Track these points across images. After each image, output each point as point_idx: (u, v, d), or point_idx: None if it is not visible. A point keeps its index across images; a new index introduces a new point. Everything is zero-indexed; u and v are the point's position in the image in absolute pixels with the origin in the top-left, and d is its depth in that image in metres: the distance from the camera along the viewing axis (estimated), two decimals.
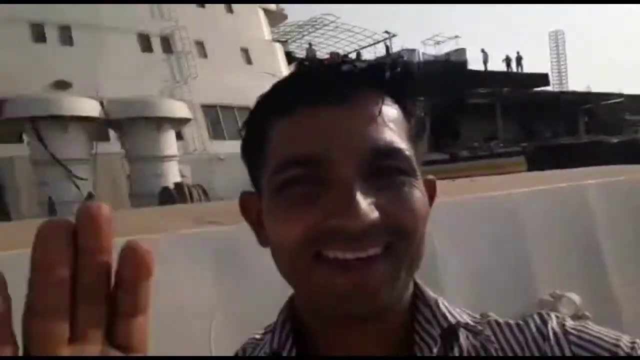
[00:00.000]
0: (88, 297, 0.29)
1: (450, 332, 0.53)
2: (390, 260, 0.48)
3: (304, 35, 34.21)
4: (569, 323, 0.54)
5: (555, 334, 0.53)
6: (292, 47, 32.23)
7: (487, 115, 17.93)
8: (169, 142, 9.81)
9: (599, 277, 3.31)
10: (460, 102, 18.02)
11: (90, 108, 9.23)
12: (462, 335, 0.54)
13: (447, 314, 0.54)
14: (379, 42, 33.36)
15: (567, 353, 0.51)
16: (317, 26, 33.28)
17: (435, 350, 0.52)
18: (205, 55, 18.41)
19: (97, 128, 9.85)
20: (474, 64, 28.65)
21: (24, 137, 8.98)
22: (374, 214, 0.46)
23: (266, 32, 21.73)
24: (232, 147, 17.00)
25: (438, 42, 32.26)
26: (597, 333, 0.52)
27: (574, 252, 3.33)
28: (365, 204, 0.46)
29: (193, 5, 18.74)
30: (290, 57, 25.89)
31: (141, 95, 11.35)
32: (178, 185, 8.29)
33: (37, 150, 8.44)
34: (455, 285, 2.90)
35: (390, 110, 0.51)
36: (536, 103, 19.45)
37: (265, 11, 21.99)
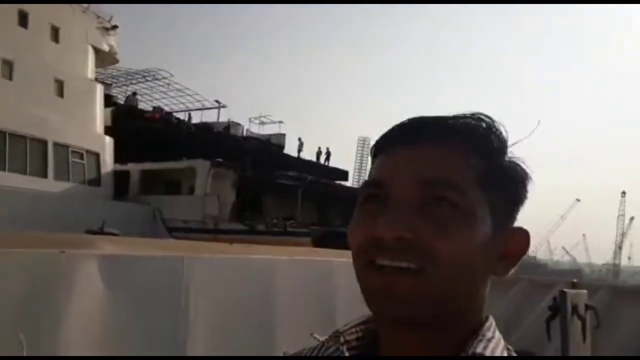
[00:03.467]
0: None
1: None
2: (421, 279, 0.55)
3: (131, 83, 33.07)
4: None
5: None
6: (115, 91, 30.78)
7: (290, 197, 19.40)
8: None
9: None
10: (269, 181, 19.21)
11: None
12: None
13: None
14: (207, 108, 33.93)
15: None
16: (148, 78, 32.60)
17: None
18: (10, 77, 16.55)
19: None
20: (290, 149, 31.05)
21: None
22: (404, 233, 0.55)
23: (90, 69, 20.59)
24: (11, 179, 15.34)
25: (263, 123, 34.21)
26: None
27: (314, 316, 3.81)
28: (399, 221, 0.56)
29: (15, 22, 16.98)
30: (110, 100, 24.69)
31: None
32: None
33: None
34: (204, 335, 3.10)
35: (453, 155, 0.59)
36: (332, 194, 21.77)
37: (96, 50, 20.97)
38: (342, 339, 0.64)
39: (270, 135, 32.00)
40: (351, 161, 37.47)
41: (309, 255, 4.24)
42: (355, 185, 33.16)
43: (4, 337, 2.29)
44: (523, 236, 0.61)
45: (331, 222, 19.15)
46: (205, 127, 29.53)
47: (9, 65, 16.46)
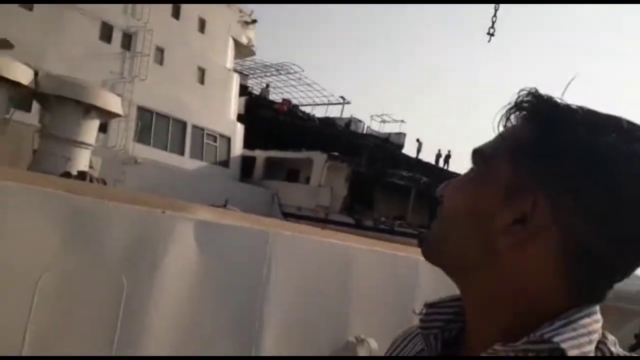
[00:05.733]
0: None
1: None
2: (436, 221, 0.66)
3: (266, 76, 35.14)
4: None
5: None
6: (250, 82, 32.95)
7: (402, 196, 19.28)
8: (91, 131, 9.84)
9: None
10: (382, 178, 19.27)
11: (21, 73, 9.16)
12: None
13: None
14: (332, 104, 34.83)
15: None
16: (281, 72, 34.33)
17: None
18: (161, 63, 18.62)
19: (21, 96, 9.75)
20: (410, 149, 30.69)
21: None
22: (441, 189, 0.67)
23: (229, 60, 22.30)
24: (153, 153, 17.22)
25: (384, 121, 34.20)
26: None
27: (391, 309, 3.85)
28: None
29: (168, 13, 19.08)
30: (245, 90, 26.54)
31: (81, 78, 11.37)
32: (81, 174, 8.30)
33: None
34: (280, 308, 3.32)
35: (514, 126, 0.61)
36: None
37: (236, 42, 22.67)
38: (424, 324, 0.66)
39: (390, 133, 31.93)
40: None
41: (395, 250, 4.25)
42: None
43: (109, 276, 2.69)
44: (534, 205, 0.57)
45: None
46: (327, 121, 30.38)
47: (160, 52, 18.53)
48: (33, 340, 2.40)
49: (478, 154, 0.62)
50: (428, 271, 4.12)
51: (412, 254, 4.35)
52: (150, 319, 2.82)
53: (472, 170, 0.62)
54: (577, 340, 0.52)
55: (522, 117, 0.59)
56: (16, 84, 8.97)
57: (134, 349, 2.76)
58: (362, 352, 3.47)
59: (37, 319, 2.41)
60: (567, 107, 0.57)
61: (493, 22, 8.25)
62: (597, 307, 0.56)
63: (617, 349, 0.55)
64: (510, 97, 0.61)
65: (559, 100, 0.58)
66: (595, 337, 0.54)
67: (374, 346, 3.48)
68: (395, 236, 14.36)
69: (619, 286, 0.57)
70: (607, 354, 0.54)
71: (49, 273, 2.46)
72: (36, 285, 2.38)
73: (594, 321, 0.54)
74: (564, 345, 0.51)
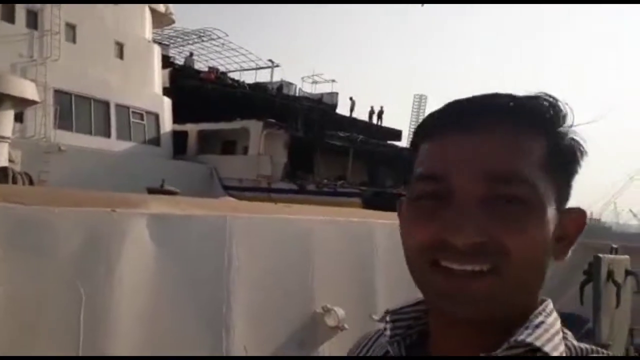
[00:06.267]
0: None
1: None
2: (494, 279, 0.53)
3: (188, 44, 33.66)
4: None
5: None
6: (172, 52, 31.49)
7: (341, 157, 19.57)
8: (6, 122, 9.08)
9: (367, 299, 3.97)
10: (320, 141, 19.40)
11: None
12: None
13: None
14: (261, 68, 34.09)
15: None
16: (204, 38, 33.00)
17: None
18: (73, 40, 17.30)
19: None
20: (343, 108, 30.90)
21: None
22: (478, 237, 0.52)
23: (148, 31, 21.10)
24: (77, 139, 16.27)
25: (315, 82, 34.06)
26: None
27: (352, 276, 3.95)
28: (472, 226, 0.52)
29: None
30: (167, 61, 25.34)
31: None
32: (2, 170, 7.71)
33: None
34: (245, 290, 3.31)
35: (518, 141, 0.54)
36: (383, 154, 21.72)
37: (152, 11, 21.41)
38: (389, 331, 0.65)
39: (323, 94, 31.92)
40: (407, 120, 36.80)
41: (349, 217, 4.32)
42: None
43: (64, 285, 2.55)
44: (581, 216, 0.58)
45: (381, 183, 19.25)
46: (258, 87, 29.81)
47: (72, 28, 17.19)
48: None
49: (519, 180, 0.53)
50: (383, 235, 4.25)
51: (367, 217, 4.45)
52: (114, 321, 2.72)
53: (512, 201, 0.53)
54: (553, 342, 0.55)
55: (520, 125, 0.55)
56: None
57: (101, 354, 2.66)
58: (329, 321, 3.55)
59: None
60: (566, 117, 0.58)
61: None
62: (550, 300, 0.60)
63: (577, 343, 0.58)
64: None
65: (564, 111, 0.58)
66: (561, 334, 0.57)
67: (341, 314, 3.57)
68: (339, 197, 14.61)
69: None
70: (573, 350, 0.57)
71: None
72: None
73: (556, 318, 0.58)
74: (546, 349, 0.53)
